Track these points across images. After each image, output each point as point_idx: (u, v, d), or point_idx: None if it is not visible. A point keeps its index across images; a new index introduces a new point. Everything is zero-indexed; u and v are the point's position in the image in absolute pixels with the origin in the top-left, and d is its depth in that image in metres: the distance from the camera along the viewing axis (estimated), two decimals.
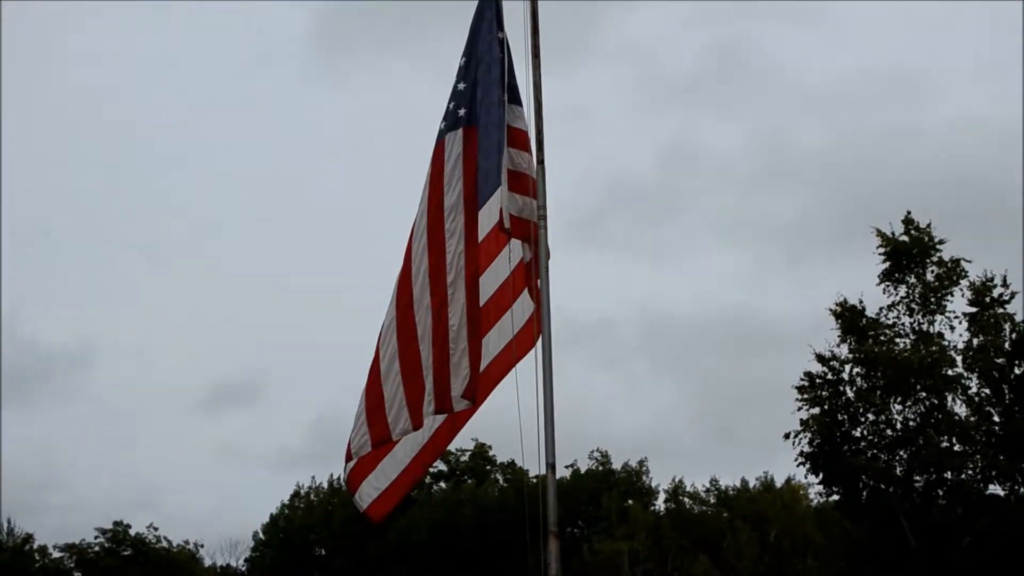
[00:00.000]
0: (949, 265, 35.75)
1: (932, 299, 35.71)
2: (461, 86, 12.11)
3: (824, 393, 35.59)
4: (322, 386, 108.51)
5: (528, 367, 11.36)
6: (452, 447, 68.16)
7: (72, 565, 70.68)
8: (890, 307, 36.26)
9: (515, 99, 11.94)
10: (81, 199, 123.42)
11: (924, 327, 35.97)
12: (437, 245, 11.68)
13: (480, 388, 11.45)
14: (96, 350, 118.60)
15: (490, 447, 71.40)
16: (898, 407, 35.41)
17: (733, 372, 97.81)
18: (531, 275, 11.59)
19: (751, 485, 66.93)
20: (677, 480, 67.97)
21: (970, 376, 35.24)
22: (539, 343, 11.30)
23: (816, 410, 35.39)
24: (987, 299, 35.31)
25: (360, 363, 12.01)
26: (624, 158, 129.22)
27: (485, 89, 11.95)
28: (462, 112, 12.01)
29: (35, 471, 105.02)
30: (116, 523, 71.70)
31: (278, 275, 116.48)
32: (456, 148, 11.91)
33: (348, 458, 11.95)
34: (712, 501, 66.48)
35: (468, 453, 71.84)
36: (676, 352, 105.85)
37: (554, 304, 11.44)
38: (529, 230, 11.49)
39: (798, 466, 36.20)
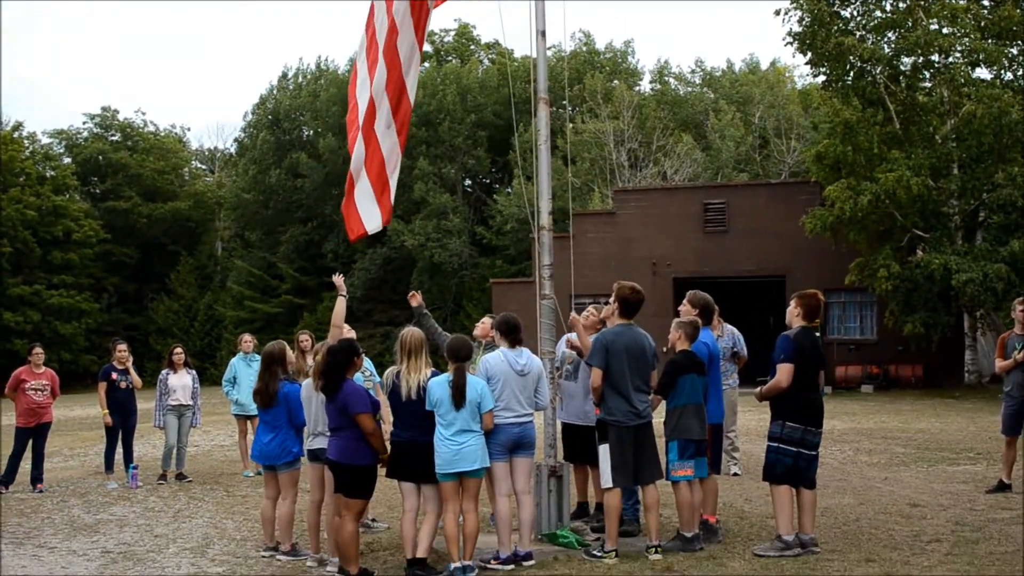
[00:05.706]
0: None
1: None
2: None
3: None
4: None
5: None
6: (436, 27, 67.50)
7: (62, 151, 71.24)
8: None
9: None
10: None
11: None
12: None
13: None
14: None
15: (474, 27, 70.60)
16: None
17: None
18: None
19: (736, 68, 66.80)
20: (663, 61, 67.79)
21: None
22: None
23: None
24: None
25: None
26: None
27: None
28: None
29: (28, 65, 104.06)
30: (104, 108, 71.88)
31: None
32: None
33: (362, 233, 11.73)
34: (697, 82, 66.43)
35: (451, 33, 70.96)
36: None
37: None
38: None
39: (786, 46, 36.16)
